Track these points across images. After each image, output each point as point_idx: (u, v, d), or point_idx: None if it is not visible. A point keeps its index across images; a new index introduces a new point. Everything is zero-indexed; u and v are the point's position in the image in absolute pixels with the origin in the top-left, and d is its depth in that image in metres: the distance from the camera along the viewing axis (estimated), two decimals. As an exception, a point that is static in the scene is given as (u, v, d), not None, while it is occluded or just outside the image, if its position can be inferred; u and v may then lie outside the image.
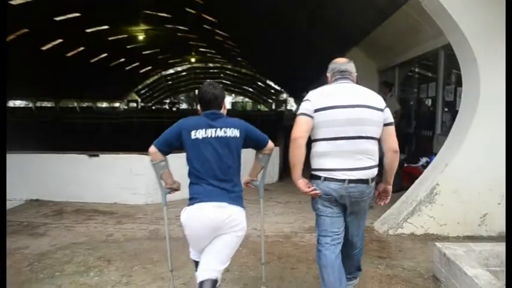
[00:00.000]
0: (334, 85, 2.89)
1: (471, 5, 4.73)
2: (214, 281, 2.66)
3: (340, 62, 2.96)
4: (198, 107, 2.89)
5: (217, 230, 2.67)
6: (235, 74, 57.33)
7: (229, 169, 2.72)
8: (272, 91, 60.76)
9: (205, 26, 30.53)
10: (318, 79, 19.81)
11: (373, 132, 2.76)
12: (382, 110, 2.78)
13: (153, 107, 54.80)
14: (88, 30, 30.37)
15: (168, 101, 60.48)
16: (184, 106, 65.27)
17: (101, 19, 28.41)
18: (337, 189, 2.75)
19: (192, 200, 2.70)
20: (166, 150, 2.82)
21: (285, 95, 60.28)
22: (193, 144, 2.70)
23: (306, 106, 2.78)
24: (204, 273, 2.67)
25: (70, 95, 41.29)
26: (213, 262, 2.71)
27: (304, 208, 5.77)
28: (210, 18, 27.66)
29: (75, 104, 44.86)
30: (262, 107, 63.61)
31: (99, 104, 51.32)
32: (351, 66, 2.96)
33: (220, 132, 2.71)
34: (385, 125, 2.80)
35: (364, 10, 8.81)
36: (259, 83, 59.16)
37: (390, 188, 3.01)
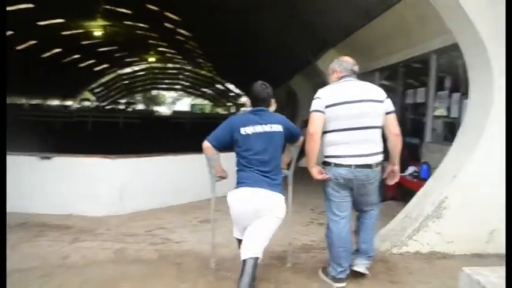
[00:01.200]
0: (341, 83, 3.29)
1: (489, 2, 4.24)
2: (256, 259, 2.93)
3: (352, 63, 3.40)
4: (248, 102, 3.27)
5: (259, 211, 2.95)
6: (195, 76, 56.11)
7: (272, 160, 3.06)
8: (231, 94, 60.12)
9: (166, 24, 29.42)
10: (285, 82, 19.48)
11: (377, 122, 3.19)
12: (382, 102, 3.21)
13: (108, 107, 52.65)
14: (41, 23, 28.59)
15: (123, 100, 58.49)
16: (140, 107, 63.44)
17: (55, 12, 26.80)
18: (345, 173, 3.14)
19: (239, 184, 3.03)
20: (218, 146, 3.09)
21: (243, 98, 59.86)
22: (243, 139, 3.00)
23: (318, 103, 3.17)
24: (247, 252, 2.93)
25: (18, 90, 38.77)
26: (255, 242, 2.98)
27: (284, 223, 5.12)
28: (173, 16, 26.64)
29: (24, 101, 42.24)
30: (220, 110, 62.82)
31: (49, 102, 48.69)
32: (357, 67, 3.44)
33: (266, 128, 3.04)
34: (387, 113, 3.23)
35: (346, 9, 8.48)
36: (219, 86, 58.34)
37: (397, 168, 3.47)
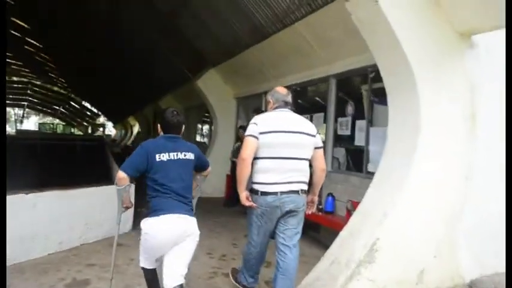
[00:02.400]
0: (277, 112, 3.36)
1: (418, 21, 3.90)
2: (182, 285, 2.90)
3: (284, 93, 3.45)
4: (158, 127, 3.17)
5: (179, 237, 2.92)
6: (45, 92, 50.39)
7: (187, 186, 3.06)
8: (88, 113, 55.57)
9: (12, 31, 25.62)
10: (154, 101, 18.13)
11: (307, 155, 3.28)
12: (314, 136, 3.32)
13: None
14: None
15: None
16: (-24, 125, 54.75)
17: None
18: (272, 201, 3.18)
19: (156, 211, 2.90)
20: (134, 174, 2.94)
21: (102, 119, 55.85)
22: (158, 165, 2.93)
23: (253, 128, 3.21)
24: (172, 281, 2.88)
25: None
26: (178, 268, 2.93)
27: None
28: (21, 23, 23.26)
29: None
30: (75, 131, 57.53)
31: None
32: (290, 97, 3.49)
33: (181, 155, 3.04)
34: (316, 148, 3.34)
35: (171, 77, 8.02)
36: (74, 104, 53.41)
37: (316, 198, 3.60)
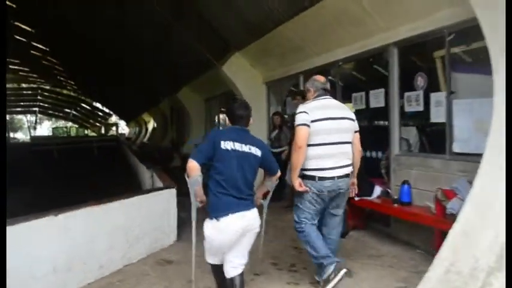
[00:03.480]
0: (321, 100, 3.57)
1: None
2: (242, 273, 3.09)
3: (323, 81, 3.67)
4: (227, 120, 3.21)
5: (240, 236, 2.97)
6: (55, 96, 49.88)
7: (248, 180, 3.00)
8: (100, 114, 55.05)
9: (17, 36, 24.91)
10: (170, 94, 17.33)
11: (351, 138, 3.55)
12: (354, 120, 3.62)
13: None
14: None
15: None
16: (-9, 134, 54.66)
17: None
18: (330, 185, 3.43)
19: (216, 212, 2.90)
20: (204, 161, 2.92)
21: (114, 118, 55.32)
22: (223, 153, 2.91)
23: (305, 117, 3.40)
24: (233, 271, 3.05)
25: None
26: (238, 260, 3.07)
27: None
28: (25, 28, 22.52)
29: None
30: (89, 132, 57.15)
31: None
32: (328, 85, 3.73)
33: (245, 148, 2.97)
34: (355, 131, 3.61)
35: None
36: (85, 105, 52.89)
37: (356, 180, 3.73)
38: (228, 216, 2.88)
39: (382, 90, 5.46)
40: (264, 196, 3.46)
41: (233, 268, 3.06)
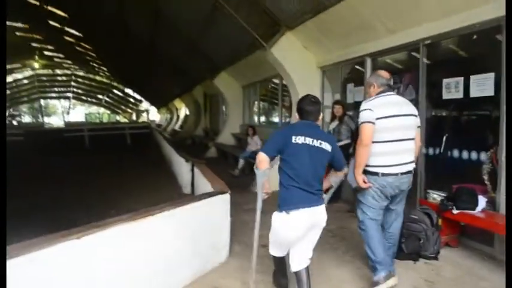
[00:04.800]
0: (386, 97, 3.45)
1: None
2: (308, 268, 3.06)
3: (388, 77, 3.55)
4: (297, 115, 3.15)
5: (308, 230, 2.95)
6: (89, 82, 49.79)
7: (317, 175, 2.95)
8: (131, 100, 54.84)
9: (51, 22, 24.36)
10: (204, 80, 16.35)
11: (414, 134, 3.47)
12: (417, 116, 3.52)
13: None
14: None
15: (6, 113, 50.13)
16: (27, 119, 55.22)
17: None
18: (393, 181, 3.37)
19: (286, 206, 2.88)
20: (274, 154, 2.95)
21: (144, 104, 55.00)
22: (293, 147, 2.90)
23: (370, 115, 3.31)
24: (299, 265, 3.03)
25: None
26: (305, 253, 3.06)
27: None
28: (59, 12, 21.86)
29: None
30: (120, 118, 57.14)
31: None
32: (392, 81, 3.66)
33: (316, 143, 2.93)
34: (418, 127, 3.54)
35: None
36: (117, 92, 52.71)
37: None
38: (299, 210, 2.86)
39: (492, 74, 4.21)
40: (326, 191, 3.31)
41: (299, 263, 3.05)
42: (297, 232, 2.92)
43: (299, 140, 2.90)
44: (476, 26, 4.31)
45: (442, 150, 4.80)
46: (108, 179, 9.32)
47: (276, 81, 11.47)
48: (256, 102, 13.78)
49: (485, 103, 4.47)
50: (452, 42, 5.12)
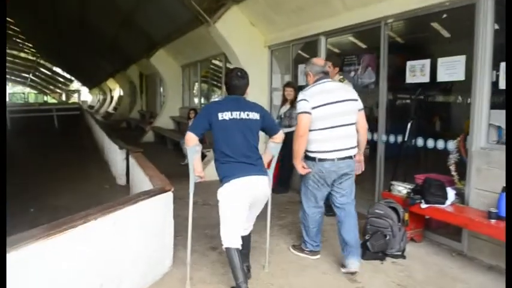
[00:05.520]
0: (321, 85, 3.42)
1: None
2: (250, 233, 3.26)
3: (322, 64, 3.54)
4: (224, 88, 3.21)
5: (255, 197, 2.97)
6: (12, 59, 45.51)
7: (252, 146, 2.97)
8: (60, 79, 51.05)
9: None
10: (140, 59, 15.17)
11: (354, 119, 3.40)
12: (357, 100, 3.44)
13: None
14: None
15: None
16: None
17: None
18: (329, 166, 3.35)
19: (227, 177, 2.88)
20: (200, 133, 2.95)
21: (75, 84, 51.50)
22: (221, 124, 2.90)
23: (305, 105, 3.31)
24: (243, 232, 3.07)
25: None
26: (249, 223, 3.19)
27: None
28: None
29: None
30: (49, 99, 53.18)
31: None
32: (327, 67, 3.66)
33: (244, 115, 2.94)
34: (359, 110, 3.44)
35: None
36: (44, 70, 48.72)
37: (363, 157, 3.58)
38: (240, 178, 2.87)
39: (463, 57, 3.83)
40: (268, 166, 3.31)
41: (243, 230, 3.09)
42: (243, 199, 2.91)
43: (226, 116, 2.90)
44: (446, 4, 3.90)
45: (406, 138, 4.40)
46: (28, 168, 8.12)
47: (218, 63, 10.76)
48: (196, 84, 12.95)
49: (456, 89, 4.09)
50: (418, 21, 4.69)
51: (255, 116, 2.99)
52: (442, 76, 4.02)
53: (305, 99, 3.31)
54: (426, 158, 4.51)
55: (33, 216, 5.04)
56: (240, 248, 2.94)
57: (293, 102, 5.85)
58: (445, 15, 4.16)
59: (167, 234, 3.38)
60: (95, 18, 13.92)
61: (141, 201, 2.95)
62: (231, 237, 2.93)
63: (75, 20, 15.43)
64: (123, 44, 15.44)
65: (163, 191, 3.25)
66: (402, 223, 3.89)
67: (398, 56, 4.64)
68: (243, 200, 2.91)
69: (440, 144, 4.17)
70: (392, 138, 4.71)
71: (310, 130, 3.33)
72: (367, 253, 3.75)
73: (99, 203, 5.28)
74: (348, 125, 3.36)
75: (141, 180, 4.33)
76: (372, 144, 4.94)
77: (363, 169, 3.62)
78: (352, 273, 3.41)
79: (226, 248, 2.94)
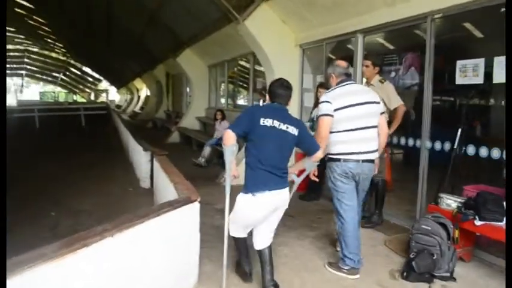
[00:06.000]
0: (344, 87, 3.39)
1: None
2: (270, 246, 3.11)
3: (345, 66, 3.49)
4: (267, 96, 3.14)
5: (272, 212, 2.97)
6: (43, 59, 46.49)
7: (283, 159, 2.97)
8: (89, 79, 51.90)
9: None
10: (167, 59, 15.04)
11: (376, 122, 3.39)
12: (379, 103, 3.42)
13: None
14: None
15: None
16: (-25, 97, 51.35)
17: None
18: (354, 167, 3.33)
19: (251, 187, 2.87)
20: (240, 133, 2.89)
21: (104, 84, 52.24)
22: (261, 129, 2.86)
23: (327, 107, 3.28)
24: (262, 243, 3.06)
25: None
26: (268, 233, 3.10)
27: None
28: (5, -20, 19.64)
29: None
30: (78, 98, 54.11)
31: None
32: (351, 69, 3.75)
33: (283, 127, 2.91)
34: (381, 113, 3.44)
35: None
36: (74, 70, 49.61)
37: (378, 161, 3.57)
38: (265, 192, 2.86)
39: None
40: (299, 174, 3.28)
41: (262, 241, 3.07)
42: (261, 213, 2.94)
43: (267, 122, 2.89)
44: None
45: (455, 146, 3.97)
46: (52, 169, 7.96)
47: (245, 64, 10.44)
48: (223, 84, 12.68)
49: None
50: (470, 16, 4.23)
51: (293, 130, 2.95)
52: (499, 77, 3.58)
53: (328, 101, 3.29)
54: (475, 168, 4.06)
55: (55, 221, 4.83)
56: (246, 236, 3.17)
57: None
58: (502, 9, 3.71)
59: (192, 249, 3.07)
60: (123, 17, 13.84)
61: (164, 214, 2.64)
62: (239, 233, 3.12)
63: (103, 20, 15.42)
64: (150, 43, 15.33)
65: (189, 201, 2.94)
66: (452, 241, 3.48)
67: (446, 56, 4.19)
68: (260, 215, 2.96)
69: (496, 153, 3.72)
70: (438, 145, 4.27)
71: (333, 132, 3.32)
72: (412, 274, 3.36)
73: (121, 208, 5.08)
74: (370, 127, 3.35)
75: (165, 185, 4.05)
76: (413, 151, 4.51)
77: (376, 172, 3.63)
78: None
79: (232, 236, 3.11)
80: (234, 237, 3.13)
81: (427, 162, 4.40)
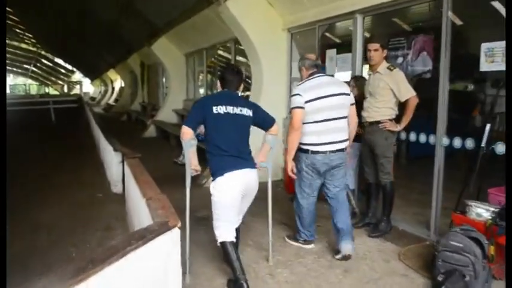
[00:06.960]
0: (314, 79, 3.47)
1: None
2: (238, 228, 3.15)
3: (314, 58, 3.60)
4: (218, 84, 3.24)
5: (246, 190, 3.01)
6: (13, 50, 44.37)
7: (244, 140, 3.06)
8: (62, 71, 49.91)
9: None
10: (141, 48, 14.10)
11: (346, 113, 3.48)
12: (349, 95, 3.50)
13: None
14: None
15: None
16: None
17: None
18: (321, 159, 3.44)
19: (220, 171, 2.91)
20: (194, 127, 2.98)
21: (77, 75, 50.35)
22: (215, 117, 2.94)
23: (299, 100, 3.37)
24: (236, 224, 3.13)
25: None
26: (240, 216, 3.20)
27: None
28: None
29: None
30: (51, 90, 52.13)
31: None
32: (319, 61, 3.79)
33: (237, 110, 2.99)
34: (351, 104, 3.53)
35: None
36: (45, 61, 47.56)
37: (350, 148, 3.75)
38: (233, 172, 2.89)
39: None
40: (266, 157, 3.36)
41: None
42: (237, 192, 2.95)
43: (220, 109, 2.94)
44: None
45: (483, 144, 3.34)
46: (10, 173, 7.03)
47: (223, 53, 9.66)
48: (202, 74, 11.87)
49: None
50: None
51: (247, 112, 3.05)
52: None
53: (299, 94, 3.37)
54: (497, 168, 3.47)
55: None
56: (235, 240, 2.99)
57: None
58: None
59: (170, 283, 2.37)
60: (95, 4, 12.81)
61: (131, 253, 1.92)
62: (225, 232, 2.98)
63: (74, 8, 14.32)
64: (123, 31, 14.35)
65: (166, 228, 2.22)
66: (488, 259, 2.88)
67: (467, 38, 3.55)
68: (236, 194, 2.95)
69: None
70: (457, 142, 3.64)
71: (304, 123, 3.39)
72: (441, 301, 2.76)
73: (88, 220, 4.33)
74: (340, 118, 3.42)
75: (137, 199, 3.31)
76: (428, 148, 3.89)
77: (349, 161, 3.94)
78: (347, 258, 3.47)
79: (221, 243, 2.97)
80: (223, 246, 2.98)
81: (443, 161, 3.78)
